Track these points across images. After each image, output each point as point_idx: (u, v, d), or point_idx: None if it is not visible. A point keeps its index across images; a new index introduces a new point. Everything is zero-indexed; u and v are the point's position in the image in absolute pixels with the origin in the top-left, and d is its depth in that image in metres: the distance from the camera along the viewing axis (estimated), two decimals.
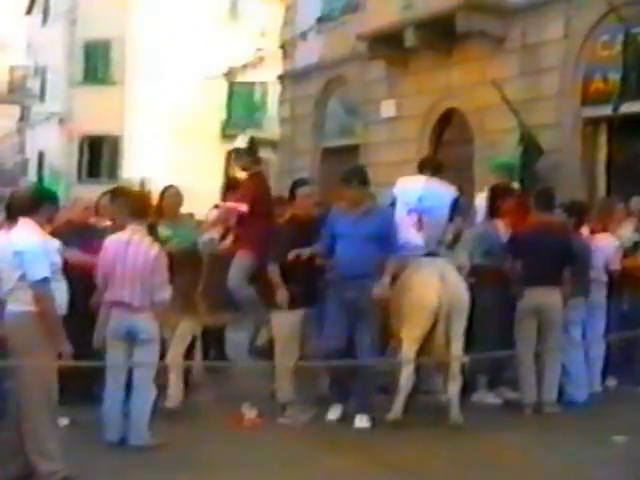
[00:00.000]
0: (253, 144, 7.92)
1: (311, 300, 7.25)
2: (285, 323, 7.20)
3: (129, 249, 6.36)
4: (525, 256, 7.65)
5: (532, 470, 6.14)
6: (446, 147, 14.47)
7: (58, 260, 5.49)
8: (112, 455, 6.12)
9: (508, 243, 7.92)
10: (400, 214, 7.38)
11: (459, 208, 7.59)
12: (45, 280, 5.27)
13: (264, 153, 30.52)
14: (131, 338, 6.36)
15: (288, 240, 7.17)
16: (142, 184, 23.41)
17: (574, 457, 6.39)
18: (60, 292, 5.45)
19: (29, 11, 35.40)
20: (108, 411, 6.41)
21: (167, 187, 7.87)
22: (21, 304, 5.29)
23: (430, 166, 7.85)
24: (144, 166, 25.96)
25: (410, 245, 7.29)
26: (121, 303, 6.34)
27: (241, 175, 8.22)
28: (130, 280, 6.30)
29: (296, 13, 18.67)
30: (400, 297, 7.07)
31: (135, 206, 6.66)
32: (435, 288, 6.98)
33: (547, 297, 7.63)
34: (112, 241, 6.51)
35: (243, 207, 7.60)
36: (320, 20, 17.52)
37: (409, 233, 7.27)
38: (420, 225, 7.30)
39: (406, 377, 7.06)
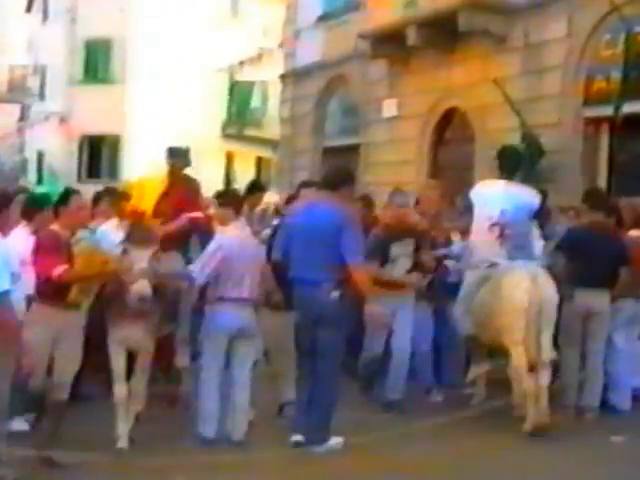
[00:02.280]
0: (188, 149, 7.86)
1: None
2: (279, 324, 7.09)
3: (243, 245, 6.55)
4: (577, 257, 7.39)
5: (531, 469, 6.10)
6: (447, 146, 14.45)
7: (17, 267, 5.38)
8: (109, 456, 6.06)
9: (560, 243, 7.65)
10: (481, 225, 7.30)
11: (544, 215, 7.51)
12: (6, 293, 5.15)
13: (264, 153, 30.55)
14: (239, 334, 6.46)
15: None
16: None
17: (572, 457, 6.38)
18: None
19: (29, 9, 35.33)
20: (205, 407, 6.46)
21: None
22: None
23: (508, 166, 7.53)
24: (145, 166, 25.88)
25: (493, 259, 7.23)
26: (237, 299, 6.44)
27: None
28: (246, 275, 6.45)
29: (297, 11, 18.65)
30: (492, 305, 7.03)
31: (238, 204, 6.84)
32: (526, 288, 6.86)
33: (598, 300, 7.46)
34: (224, 239, 6.57)
35: (200, 214, 7.58)
36: (321, 18, 17.50)
37: (493, 247, 7.16)
38: (504, 239, 7.20)
39: (529, 383, 6.84)
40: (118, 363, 6.20)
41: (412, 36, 13.81)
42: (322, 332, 6.22)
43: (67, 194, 6.15)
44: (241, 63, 24.26)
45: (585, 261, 7.34)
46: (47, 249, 5.80)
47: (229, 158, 29.66)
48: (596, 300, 7.46)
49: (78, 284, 5.87)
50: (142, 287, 5.83)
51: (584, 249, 7.40)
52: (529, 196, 7.45)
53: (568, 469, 6.11)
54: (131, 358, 6.34)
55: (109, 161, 29.26)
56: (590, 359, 7.59)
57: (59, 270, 5.67)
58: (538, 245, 7.69)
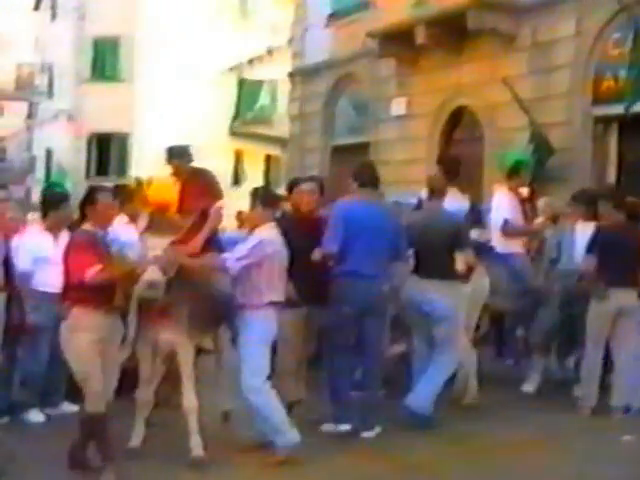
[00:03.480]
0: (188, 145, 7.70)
1: (314, 298, 6.95)
2: (288, 321, 7.06)
3: (280, 245, 6.53)
4: (608, 257, 7.47)
5: (542, 469, 6.13)
6: (456, 145, 14.46)
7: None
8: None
9: (590, 243, 7.71)
10: None
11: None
12: None
13: (273, 151, 30.48)
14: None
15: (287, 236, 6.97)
16: (149, 182, 23.37)
17: (584, 456, 6.41)
18: None
19: (36, 7, 35.39)
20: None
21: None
22: None
23: (452, 174, 8.12)
24: (153, 163, 25.92)
25: None
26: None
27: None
28: (281, 277, 6.40)
29: (306, 10, 18.68)
30: None
31: (276, 205, 6.85)
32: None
33: (628, 299, 7.54)
34: (265, 237, 6.33)
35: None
36: (330, 17, 17.52)
37: None
38: None
39: (471, 362, 7.77)
40: (145, 367, 6.03)
41: (421, 35, 13.83)
42: (371, 323, 6.83)
43: (93, 192, 5.78)
44: (250, 61, 24.20)
45: (615, 261, 7.42)
46: (80, 249, 5.51)
47: (238, 156, 29.66)
48: (628, 298, 7.55)
49: (118, 286, 5.55)
50: (151, 273, 5.48)
51: (613, 248, 7.48)
52: (464, 203, 8.25)
53: (579, 468, 6.13)
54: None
55: (117, 159, 29.27)
56: (620, 358, 7.63)
57: (91, 272, 5.35)
58: None
